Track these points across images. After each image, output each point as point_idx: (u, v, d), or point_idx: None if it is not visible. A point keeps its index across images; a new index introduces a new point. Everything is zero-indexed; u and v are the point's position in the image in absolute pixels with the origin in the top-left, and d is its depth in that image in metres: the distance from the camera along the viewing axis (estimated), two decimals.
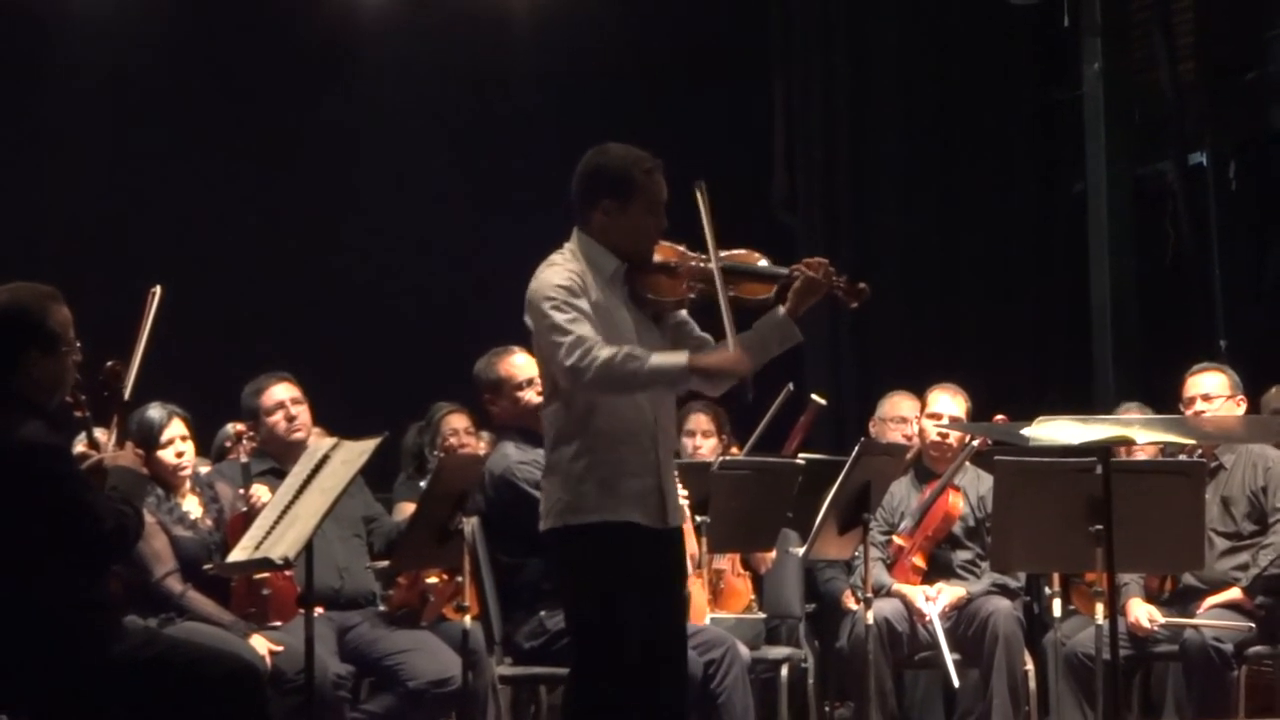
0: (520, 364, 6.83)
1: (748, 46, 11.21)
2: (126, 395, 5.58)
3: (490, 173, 10.50)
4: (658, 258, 5.34)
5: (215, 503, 6.95)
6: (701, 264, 5.30)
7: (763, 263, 5.37)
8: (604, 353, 5.08)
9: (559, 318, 5.13)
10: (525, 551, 6.54)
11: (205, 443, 7.48)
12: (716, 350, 5.22)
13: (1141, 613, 7.33)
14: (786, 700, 7.65)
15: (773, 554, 7.72)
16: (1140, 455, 7.35)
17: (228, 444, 7.43)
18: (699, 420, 7.99)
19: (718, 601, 7.56)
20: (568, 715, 5.34)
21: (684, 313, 5.45)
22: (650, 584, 5.25)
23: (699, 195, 5.26)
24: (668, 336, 5.38)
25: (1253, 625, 7.21)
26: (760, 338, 5.29)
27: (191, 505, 6.91)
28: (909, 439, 8.21)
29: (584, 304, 5.17)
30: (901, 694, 7.95)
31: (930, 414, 7.90)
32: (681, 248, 5.37)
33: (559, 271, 5.22)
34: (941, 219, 11.09)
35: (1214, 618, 7.23)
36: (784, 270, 5.33)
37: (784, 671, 7.63)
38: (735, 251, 5.34)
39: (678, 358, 5.16)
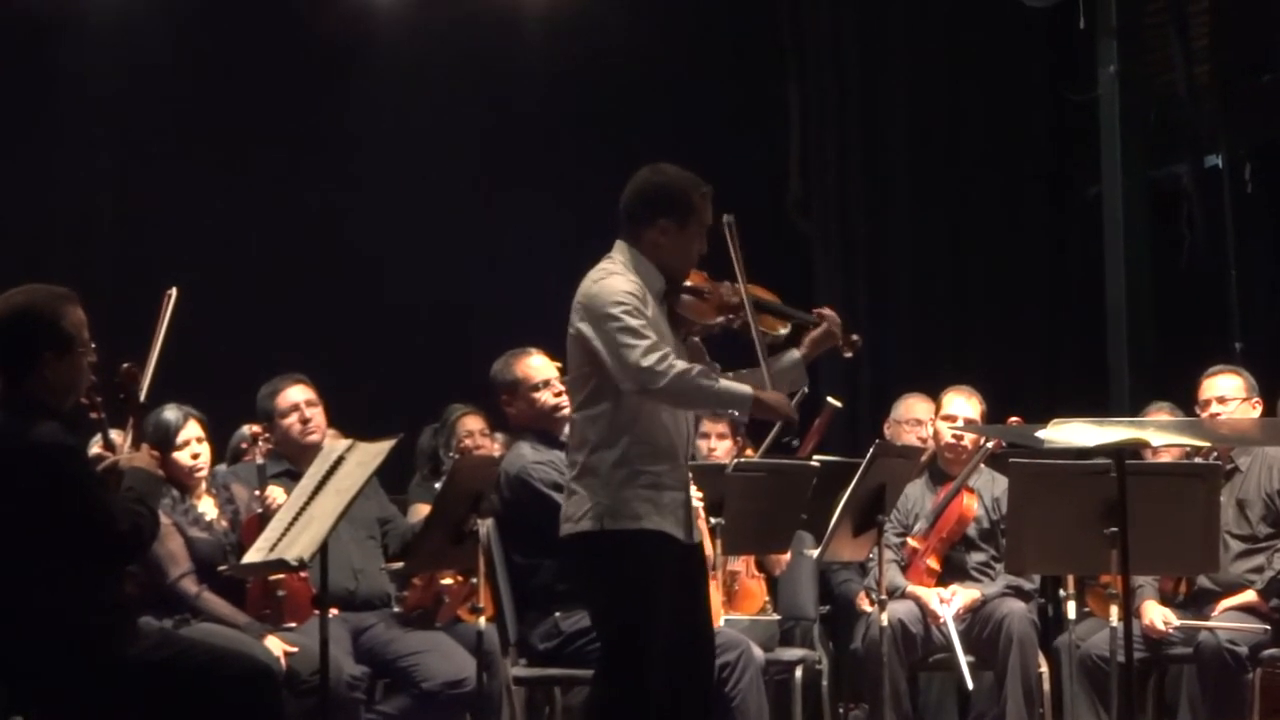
0: (537, 365, 6.84)
1: (762, 51, 11.20)
2: (142, 397, 5.61)
3: (505, 174, 10.48)
4: (688, 281, 5.41)
5: (230, 504, 6.97)
6: (730, 293, 5.38)
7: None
8: (680, 364, 5.19)
9: (633, 322, 5.20)
10: (540, 553, 6.55)
11: (221, 444, 7.49)
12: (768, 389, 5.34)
13: (1156, 615, 7.32)
14: (800, 702, 7.63)
15: (787, 556, 7.71)
16: (1165, 457, 7.33)
17: (243, 445, 7.44)
18: (714, 423, 7.96)
19: (732, 603, 7.55)
20: (593, 717, 5.37)
21: (697, 339, 5.51)
22: (682, 596, 5.33)
23: (728, 231, 5.39)
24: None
25: (1267, 628, 7.21)
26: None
27: (207, 507, 6.92)
28: (923, 441, 8.21)
29: (650, 313, 5.25)
30: (915, 696, 7.94)
31: (945, 416, 7.90)
32: (705, 274, 5.44)
33: (625, 280, 5.29)
34: (956, 222, 11.07)
35: (1229, 620, 7.22)
36: (805, 313, 5.56)
37: (798, 673, 7.61)
38: (755, 286, 5.47)
39: (744, 388, 5.29)
